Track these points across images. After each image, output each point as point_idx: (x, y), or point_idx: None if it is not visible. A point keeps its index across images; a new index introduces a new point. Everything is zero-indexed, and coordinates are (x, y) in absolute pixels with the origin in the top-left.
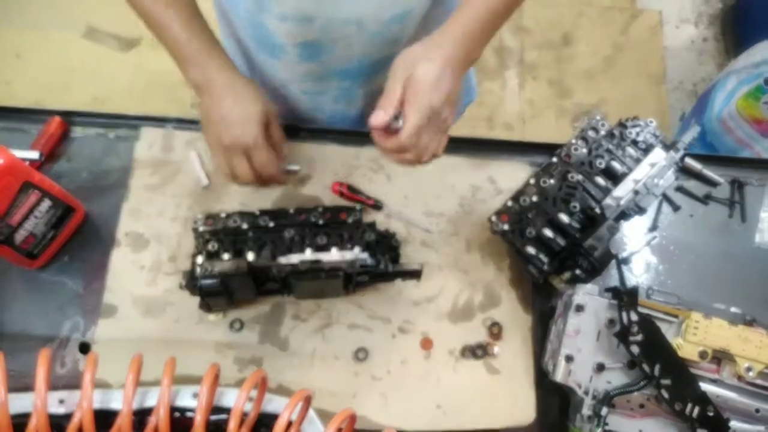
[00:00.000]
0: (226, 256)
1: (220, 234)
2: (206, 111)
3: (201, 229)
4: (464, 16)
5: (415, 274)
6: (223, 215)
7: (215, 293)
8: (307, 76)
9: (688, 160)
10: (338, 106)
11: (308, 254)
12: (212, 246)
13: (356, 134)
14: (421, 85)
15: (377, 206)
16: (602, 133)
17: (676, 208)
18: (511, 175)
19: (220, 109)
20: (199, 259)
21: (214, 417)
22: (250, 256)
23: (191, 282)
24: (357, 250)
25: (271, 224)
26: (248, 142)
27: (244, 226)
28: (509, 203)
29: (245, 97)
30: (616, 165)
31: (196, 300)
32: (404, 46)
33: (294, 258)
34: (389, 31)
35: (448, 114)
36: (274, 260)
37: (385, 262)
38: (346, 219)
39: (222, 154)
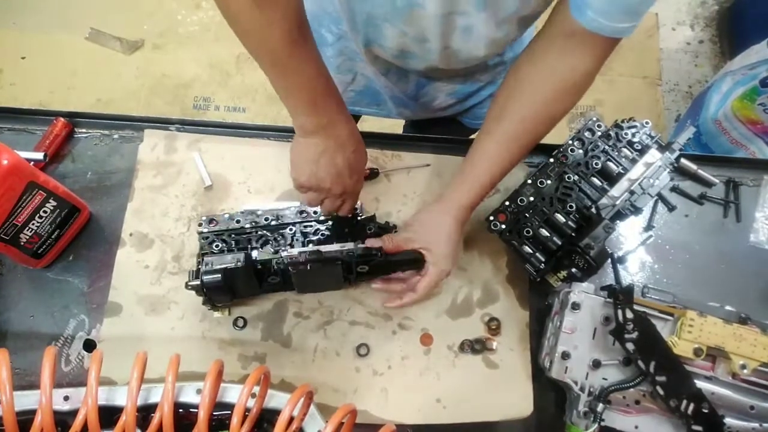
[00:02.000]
0: (230, 257)
1: (224, 234)
2: (315, 151)
3: (205, 230)
4: (469, 185)
5: (416, 263)
6: (225, 216)
7: (217, 288)
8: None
9: (684, 161)
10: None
11: (308, 247)
12: (216, 246)
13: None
14: (441, 258)
15: (374, 173)
16: (598, 134)
17: (671, 207)
18: (509, 175)
19: (339, 156)
20: (204, 259)
21: (217, 413)
22: (254, 253)
23: (195, 280)
24: (359, 245)
25: (273, 222)
26: (355, 191)
27: (247, 225)
28: (506, 203)
29: (361, 150)
30: (612, 165)
31: (200, 298)
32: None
33: (294, 250)
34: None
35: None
36: (276, 254)
37: (384, 253)
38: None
39: (318, 191)
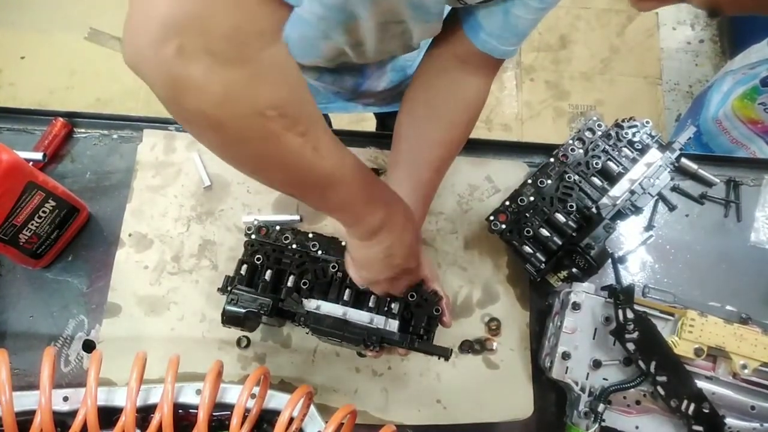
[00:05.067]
0: (267, 274)
1: (267, 247)
2: (384, 247)
3: (253, 237)
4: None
5: (443, 354)
6: (277, 228)
7: (238, 323)
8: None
9: (684, 160)
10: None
11: (336, 308)
12: (258, 259)
13: (357, 134)
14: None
15: (378, 173)
16: (599, 133)
17: (671, 207)
18: (509, 174)
19: (405, 241)
20: (243, 269)
21: (217, 413)
22: (290, 281)
23: (229, 304)
24: (389, 321)
25: (320, 253)
26: (420, 264)
27: (294, 245)
28: (507, 203)
29: (416, 226)
30: (613, 165)
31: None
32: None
33: (322, 308)
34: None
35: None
36: (300, 304)
37: (410, 339)
38: None
39: (390, 278)
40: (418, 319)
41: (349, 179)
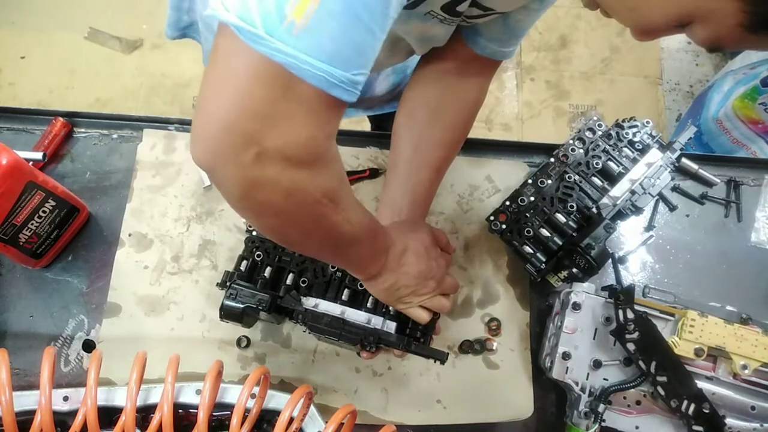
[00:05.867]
0: (267, 271)
1: (268, 244)
2: (389, 284)
3: (254, 233)
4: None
5: (439, 357)
6: None
7: (236, 318)
8: None
9: (685, 160)
10: None
11: (334, 307)
12: (258, 256)
13: (357, 134)
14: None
15: (377, 172)
16: (599, 133)
17: (672, 207)
18: (509, 174)
19: (409, 273)
20: (243, 265)
21: (217, 413)
22: (289, 278)
23: (227, 298)
24: (387, 322)
25: None
26: (446, 271)
27: None
28: (507, 203)
29: (417, 251)
30: (613, 165)
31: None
32: None
33: (320, 306)
34: None
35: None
36: (299, 301)
37: (407, 341)
38: None
39: (433, 294)
40: (415, 321)
41: (365, 240)
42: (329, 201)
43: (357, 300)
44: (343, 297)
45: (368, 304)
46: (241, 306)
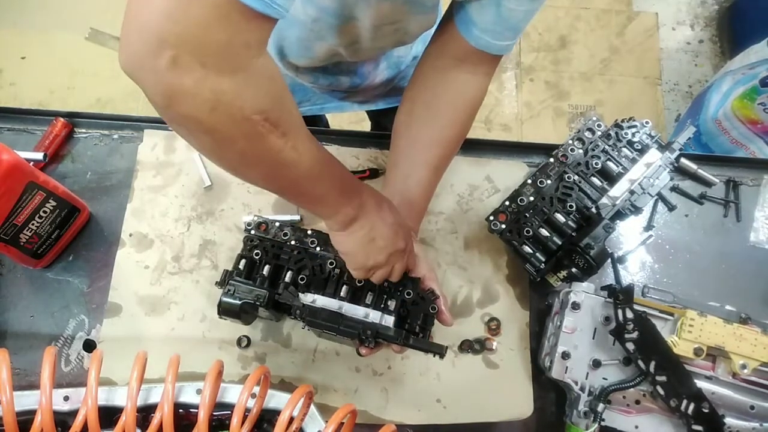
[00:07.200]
0: (266, 269)
1: (266, 243)
2: (365, 232)
3: (252, 232)
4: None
5: (438, 351)
6: (276, 224)
7: (234, 314)
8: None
9: (684, 160)
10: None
11: (332, 303)
12: (257, 254)
13: (356, 134)
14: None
15: (377, 172)
16: (598, 134)
17: (671, 207)
18: (509, 174)
19: (386, 221)
20: (242, 264)
21: (217, 413)
22: (288, 276)
23: (225, 295)
24: (385, 317)
25: (318, 249)
26: (408, 248)
27: (293, 242)
28: (506, 203)
29: (393, 207)
30: (612, 165)
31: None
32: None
33: (318, 301)
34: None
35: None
36: (297, 297)
37: (405, 335)
38: None
39: (382, 262)
40: (413, 316)
41: (324, 174)
42: (263, 120)
43: (356, 297)
44: (342, 293)
45: (367, 300)
46: (239, 302)
